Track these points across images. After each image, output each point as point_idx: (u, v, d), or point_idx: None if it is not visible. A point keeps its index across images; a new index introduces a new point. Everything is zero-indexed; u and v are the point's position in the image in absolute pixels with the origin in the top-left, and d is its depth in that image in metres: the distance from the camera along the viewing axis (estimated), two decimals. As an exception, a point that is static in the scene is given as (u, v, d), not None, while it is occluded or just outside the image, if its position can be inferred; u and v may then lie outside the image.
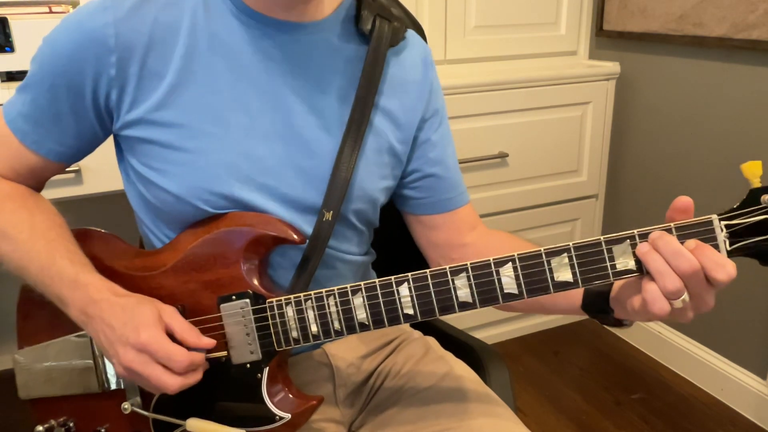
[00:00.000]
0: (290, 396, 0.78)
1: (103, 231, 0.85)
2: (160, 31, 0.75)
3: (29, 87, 0.78)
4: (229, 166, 0.77)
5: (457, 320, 1.98)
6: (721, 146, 1.77)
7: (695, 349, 1.95)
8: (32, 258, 0.76)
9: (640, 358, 2.10)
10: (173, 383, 0.70)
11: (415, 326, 1.04)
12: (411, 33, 0.89)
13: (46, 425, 0.85)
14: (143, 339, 0.69)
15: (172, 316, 0.73)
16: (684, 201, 0.64)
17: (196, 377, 0.72)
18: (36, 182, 0.85)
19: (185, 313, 0.78)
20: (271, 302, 0.76)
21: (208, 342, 0.74)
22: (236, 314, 0.76)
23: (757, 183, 0.62)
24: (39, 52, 0.78)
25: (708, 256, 0.61)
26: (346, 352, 0.92)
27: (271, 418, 0.77)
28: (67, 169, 1.17)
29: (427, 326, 1.10)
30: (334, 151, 0.80)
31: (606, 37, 2.07)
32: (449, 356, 0.96)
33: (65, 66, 0.75)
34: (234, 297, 0.76)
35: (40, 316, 0.85)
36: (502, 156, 1.93)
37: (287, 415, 0.77)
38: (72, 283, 0.74)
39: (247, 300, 0.76)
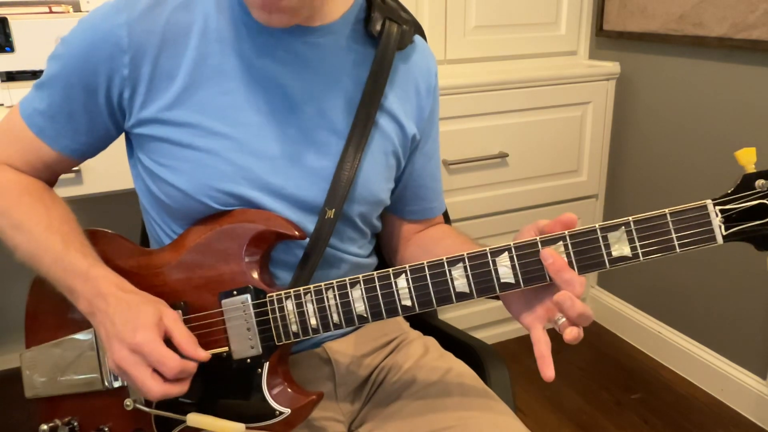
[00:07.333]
0: (290, 391, 0.78)
1: (108, 231, 0.86)
2: (173, 32, 0.76)
3: (45, 84, 0.80)
4: (238, 165, 0.78)
5: (457, 320, 2.00)
6: (721, 146, 1.77)
7: (695, 349, 1.95)
8: (47, 250, 0.77)
9: (640, 358, 2.09)
10: (157, 390, 0.70)
11: (415, 326, 1.05)
12: (419, 38, 0.91)
13: (50, 424, 0.85)
14: (138, 339, 0.70)
15: (173, 321, 0.73)
16: (569, 216, 0.69)
17: (180, 389, 0.72)
18: (50, 176, 0.87)
19: (188, 309, 0.79)
20: (271, 296, 0.76)
21: (204, 355, 0.73)
22: (237, 309, 0.77)
23: (751, 168, 0.62)
24: (55, 51, 0.80)
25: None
26: (347, 351, 0.92)
27: (271, 413, 0.77)
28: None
29: (427, 326, 1.10)
30: (341, 151, 0.81)
31: (606, 37, 2.07)
32: (449, 355, 0.97)
33: (80, 65, 0.77)
34: (235, 292, 0.77)
35: (48, 315, 0.86)
36: (502, 156, 1.94)
37: (287, 410, 0.77)
38: (83, 276, 0.75)
39: (248, 295, 0.76)
